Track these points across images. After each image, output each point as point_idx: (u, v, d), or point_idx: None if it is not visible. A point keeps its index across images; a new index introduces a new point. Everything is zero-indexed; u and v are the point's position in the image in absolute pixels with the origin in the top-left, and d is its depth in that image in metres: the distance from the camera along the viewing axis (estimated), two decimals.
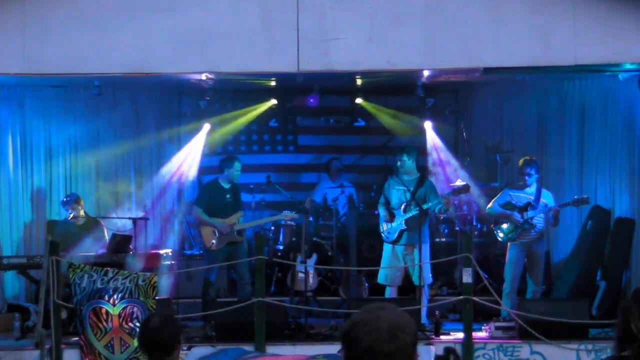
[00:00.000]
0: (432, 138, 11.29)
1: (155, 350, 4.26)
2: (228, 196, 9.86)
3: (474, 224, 10.79)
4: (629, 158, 9.86)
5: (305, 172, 12.55)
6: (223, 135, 11.87)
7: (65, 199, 10.13)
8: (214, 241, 9.72)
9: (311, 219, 10.76)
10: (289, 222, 10.82)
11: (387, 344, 2.40)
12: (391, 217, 9.40)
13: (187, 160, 11.34)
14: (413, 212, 9.20)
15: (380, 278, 9.46)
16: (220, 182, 9.91)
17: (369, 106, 11.72)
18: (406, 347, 2.43)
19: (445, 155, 11.19)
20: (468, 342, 8.19)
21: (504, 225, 9.35)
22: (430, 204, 9.20)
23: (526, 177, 9.30)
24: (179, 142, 11.99)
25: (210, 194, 9.94)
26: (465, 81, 11.11)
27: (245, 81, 10.65)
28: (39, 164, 10.94)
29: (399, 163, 9.46)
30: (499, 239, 9.52)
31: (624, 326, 3.32)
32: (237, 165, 9.87)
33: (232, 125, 11.75)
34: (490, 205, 9.60)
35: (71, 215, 9.87)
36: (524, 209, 9.22)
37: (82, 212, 9.98)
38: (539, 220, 9.30)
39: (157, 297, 8.07)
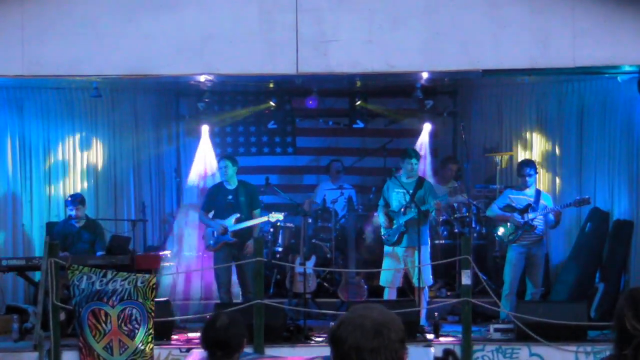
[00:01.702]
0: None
1: (218, 349, 4.25)
2: (230, 197, 9.75)
3: (473, 226, 10.79)
4: (628, 160, 9.86)
5: (304, 174, 12.55)
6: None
7: (70, 198, 10.04)
8: (211, 242, 9.73)
9: (310, 220, 10.75)
10: (287, 223, 10.81)
11: (371, 341, 2.45)
12: (390, 220, 9.40)
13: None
14: (412, 214, 9.19)
15: (382, 280, 9.46)
16: (224, 183, 9.88)
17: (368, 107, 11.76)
18: (391, 344, 2.47)
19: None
20: (467, 344, 8.19)
21: (504, 229, 9.35)
22: (427, 206, 9.20)
23: (526, 178, 9.31)
24: (177, 144, 12.02)
25: (212, 196, 9.89)
26: (464, 83, 11.11)
27: (245, 83, 10.66)
28: (38, 165, 10.93)
29: (409, 166, 9.40)
30: (499, 240, 9.52)
31: (620, 327, 3.36)
32: (221, 164, 9.83)
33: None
34: (490, 207, 9.63)
35: (72, 215, 9.77)
36: (524, 210, 9.23)
37: (83, 214, 9.93)
38: (539, 221, 9.30)
39: (155, 299, 8.06)
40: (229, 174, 9.72)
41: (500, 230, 9.41)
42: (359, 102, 11.71)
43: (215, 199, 9.84)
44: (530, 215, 9.20)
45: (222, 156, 10.21)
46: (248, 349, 8.14)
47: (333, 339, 2.51)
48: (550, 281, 10.54)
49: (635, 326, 3.28)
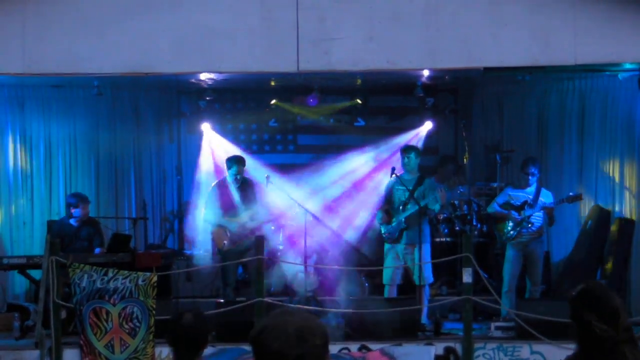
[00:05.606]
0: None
1: (188, 347, 4.23)
2: (238, 195, 9.74)
3: (474, 223, 10.78)
4: (629, 157, 9.86)
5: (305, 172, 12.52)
6: None
7: (74, 197, 9.92)
8: (225, 242, 9.63)
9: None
10: (289, 221, 10.80)
11: (295, 348, 2.42)
12: (389, 218, 9.40)
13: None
14: (412, 210, 9.20)
15: (384, 278, 9.46)
16: (227, 181, 9.83)
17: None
18: (315, 349, 2.45)
19: None
20: (468, 342, 8.18)
21: (504, 225, 9.36)
22: (426, 200, 9.20)
23: (529, 177, 9.31)
24: (178, 142, 12.02)
25: (217, 195, 9.82)
26: (465, 81, 11.09)
27: (246, 81, 10.65)
28: (39, 163, 10.93)
29: (405, 160, 9.43)
30: (499, 238, 9.52)
31: (582, 329, 3.19)
32: (234, 169, 9.74)
33: None
34: (490, 204, 9.64)
35: (76, 214, 9.72)
36: (520, 207, 9.24)
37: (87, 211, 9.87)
38: (537, 218, 9.30)
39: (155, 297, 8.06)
40: (233, 177, 9.73)
41: (500, 230, 9.43)
42: (360, 101, 11.69)
43: (220, 197, 9.76)
44: (527, 212, 9.19)
45: (233, 160, 9.93)
46: (249, 347, 8.16)
47: (255, 344, 2.48)
48: (552, 279, 10.54)
49: (602, 327, 3.13)
